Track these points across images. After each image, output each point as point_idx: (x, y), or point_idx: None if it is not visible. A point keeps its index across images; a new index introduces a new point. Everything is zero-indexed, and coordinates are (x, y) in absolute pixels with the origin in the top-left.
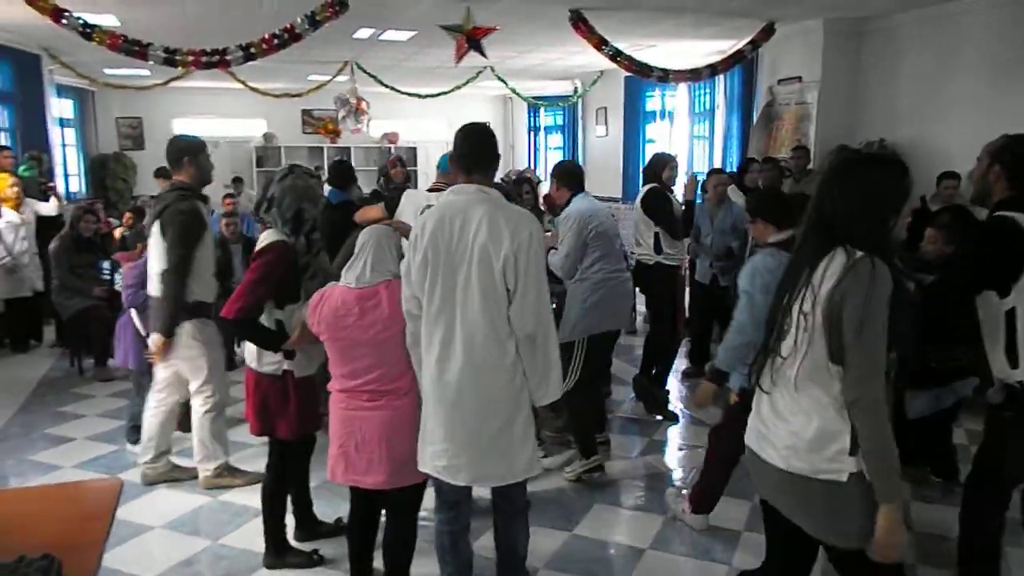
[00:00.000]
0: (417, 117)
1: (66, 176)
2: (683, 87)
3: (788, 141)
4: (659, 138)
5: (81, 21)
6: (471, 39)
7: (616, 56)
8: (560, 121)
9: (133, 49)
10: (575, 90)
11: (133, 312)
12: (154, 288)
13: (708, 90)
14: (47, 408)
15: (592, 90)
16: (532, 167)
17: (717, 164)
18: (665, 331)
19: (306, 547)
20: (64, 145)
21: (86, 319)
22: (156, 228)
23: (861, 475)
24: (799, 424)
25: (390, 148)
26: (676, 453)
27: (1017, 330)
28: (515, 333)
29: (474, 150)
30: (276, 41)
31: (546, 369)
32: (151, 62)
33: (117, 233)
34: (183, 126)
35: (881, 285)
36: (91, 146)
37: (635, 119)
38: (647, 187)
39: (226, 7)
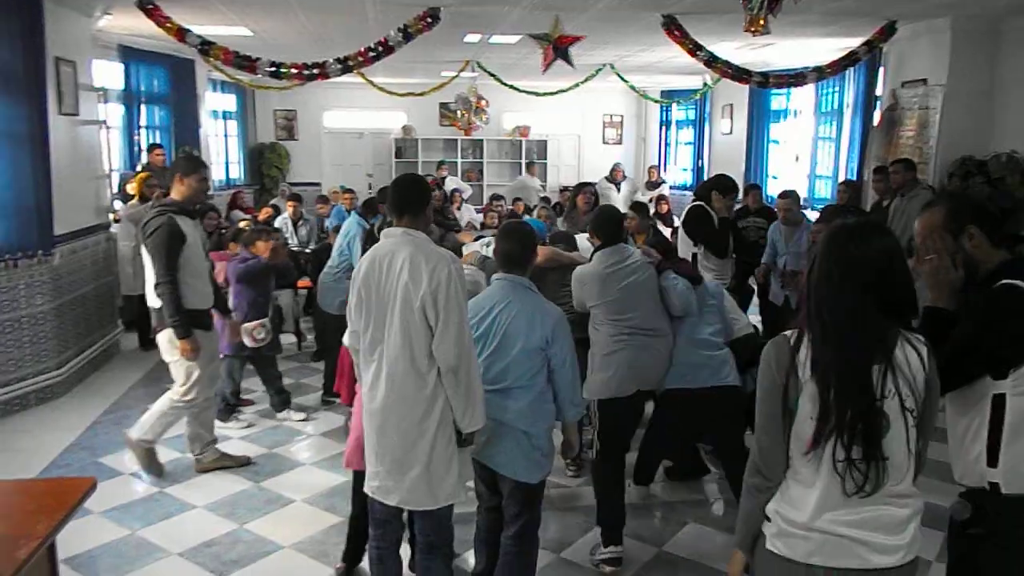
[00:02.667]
0: (549, 110)
1: (227, 164)
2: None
3: (909, 149)
4: (784, 138)
5: (200, 39)
6: (557, 47)
7: (711, 61)
8: (691, 116)
9: (243, 64)
10: (703, 84)
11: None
12: (151, 300)
13: (836, 89)
14: (158, 386)
15: (719, 86)
16: (661, 163)
17: (842, 167)
18: None
19: None
20: (227, 136)
21: None
22: (142, 244)
23: None
24: (911, 510)
25: (521, 141)
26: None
27: (1005, 421)
28: (439, 366)
29: (401, 197)
30: (372, 54)
31: (470, 399)
32: (260, 74)
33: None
34: (332, 118)
35: None
36: (251, 136)
37: (760, 117)
38: (691, 204)
39: (334, 18)
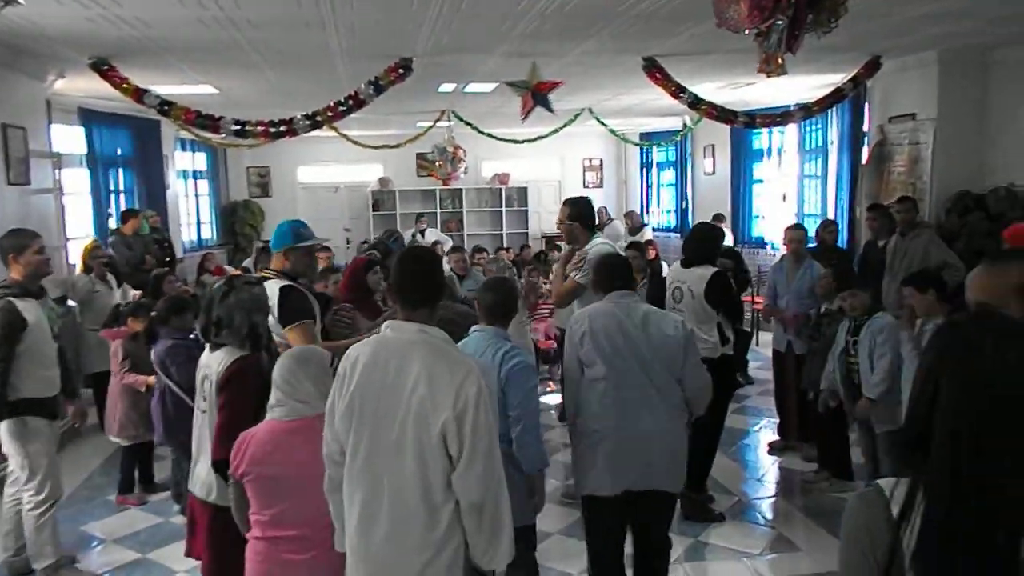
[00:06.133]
0: (528, 156)
1: (199, 224)
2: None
3: (901, 185)
4: (767, 177)
5: (159, 99)
6: (536, 94)
7: (695, 103)
8: (672, 157)
9: (206, 123)
10: (683, 125)
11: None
12: None
13: (820, 126)
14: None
15: (700, 127)
16: (644, 206)
17: (831, 205)
18: (712, 433)
19: None
20: (197, 196)
21: None
22: None
23: None
24: None
25: (501, 189)
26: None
27: None
28: (459, 501)
29: (420, 283)
30: (341, 108)
31: (495, 535)
32: (224, 134)
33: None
34: (306, 173)
35: None
36: (223, 195)
37: (742, 157)
38: (711, 272)
39: (303, 73)
